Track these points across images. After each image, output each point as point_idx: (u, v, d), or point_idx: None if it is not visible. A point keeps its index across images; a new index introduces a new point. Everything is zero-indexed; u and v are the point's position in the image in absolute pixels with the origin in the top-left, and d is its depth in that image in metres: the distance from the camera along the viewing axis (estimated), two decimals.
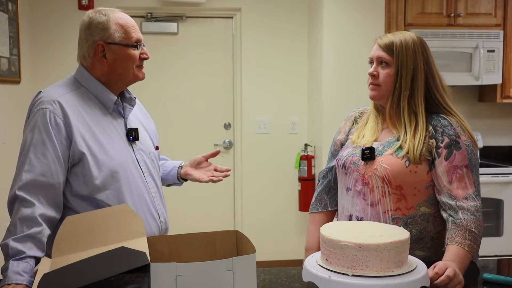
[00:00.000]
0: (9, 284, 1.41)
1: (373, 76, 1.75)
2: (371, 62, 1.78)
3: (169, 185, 2.07)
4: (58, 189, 1.62)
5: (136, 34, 1.74)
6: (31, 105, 1.69)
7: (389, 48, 1.72)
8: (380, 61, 1.74)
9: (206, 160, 1.98)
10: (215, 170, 1.96)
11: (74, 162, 1.64)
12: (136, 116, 1.88)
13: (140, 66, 1.77)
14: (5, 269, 1.47)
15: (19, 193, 1.56)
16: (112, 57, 1.71)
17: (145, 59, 1.77)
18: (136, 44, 1.74)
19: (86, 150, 1.64)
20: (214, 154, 1.98)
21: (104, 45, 1.70)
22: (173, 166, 2.02)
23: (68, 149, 1.63)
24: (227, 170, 1.96)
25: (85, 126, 1.66)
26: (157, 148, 1.93)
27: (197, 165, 1.97)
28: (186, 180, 2.02)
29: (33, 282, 1.43)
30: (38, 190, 1.57)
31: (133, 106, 1.83)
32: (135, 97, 1.86)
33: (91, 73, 1.74)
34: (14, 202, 1.57)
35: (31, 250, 1.50)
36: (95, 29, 1.70)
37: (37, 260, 1.52)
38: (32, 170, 1.58)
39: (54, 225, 1.61)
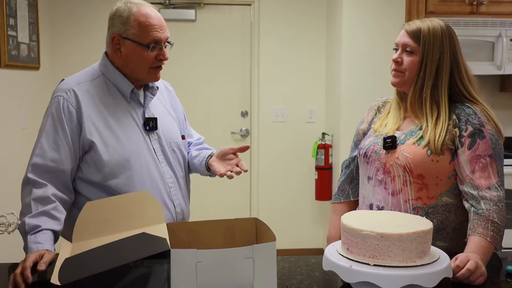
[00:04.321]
0: (31, 253, 1.45)
1: (397, 62, 1.72)
2: (396, 48, 1.75)
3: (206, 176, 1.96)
4: (67, 174, 1.67)
5: (155, 34, 1.68)
6: (53, 92, 1.75)
7: (416, 35, 1.68)
8: (405, 48, 1.71)
9: (234, 153, 1.85)
10: (237, 165, 1.81)
11: (85, 150, 1.68)
12: (163, 104, 1.88)
13: (156, 68, 1.74)
14: (25, 245, 1.52)
15: (30, 175, 1.62)
16: (125, 52, 1.71)
17: (161, 60, 1.73)
18: (149, 45, 1.68)
19: (97, 139, 1.67)
20: (242, 149, 1.83)
21: (120, 38, 1.70)
22: (204, 157, 1.92)
23: (79, 138, 1.67)
24: (245, 171, 1.80)
25: (98, 115, 1.69)
26: (183, 137, 1.92)
27: (223, 156, 1.85)
28: None
29: (54, 249, 1.48)
30: (48, 174, 1.63)
31: (154, 95, 1.83)
32: (157, 87, 1.85)
33: (112, 62, 1.76)
34: (26, 185, 1.63)
35: (46, 223, 1.55)
36: (116, 20, 1.71)
37: (54, 233, 1.56)
38: (43, 155, 1.64)
39: (68, 207, 1.67)
